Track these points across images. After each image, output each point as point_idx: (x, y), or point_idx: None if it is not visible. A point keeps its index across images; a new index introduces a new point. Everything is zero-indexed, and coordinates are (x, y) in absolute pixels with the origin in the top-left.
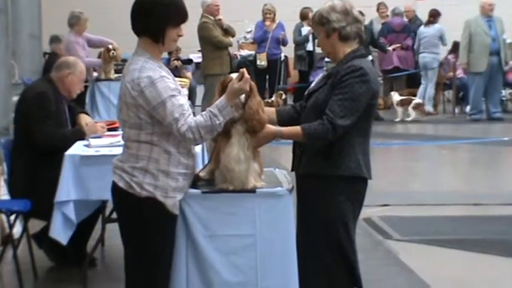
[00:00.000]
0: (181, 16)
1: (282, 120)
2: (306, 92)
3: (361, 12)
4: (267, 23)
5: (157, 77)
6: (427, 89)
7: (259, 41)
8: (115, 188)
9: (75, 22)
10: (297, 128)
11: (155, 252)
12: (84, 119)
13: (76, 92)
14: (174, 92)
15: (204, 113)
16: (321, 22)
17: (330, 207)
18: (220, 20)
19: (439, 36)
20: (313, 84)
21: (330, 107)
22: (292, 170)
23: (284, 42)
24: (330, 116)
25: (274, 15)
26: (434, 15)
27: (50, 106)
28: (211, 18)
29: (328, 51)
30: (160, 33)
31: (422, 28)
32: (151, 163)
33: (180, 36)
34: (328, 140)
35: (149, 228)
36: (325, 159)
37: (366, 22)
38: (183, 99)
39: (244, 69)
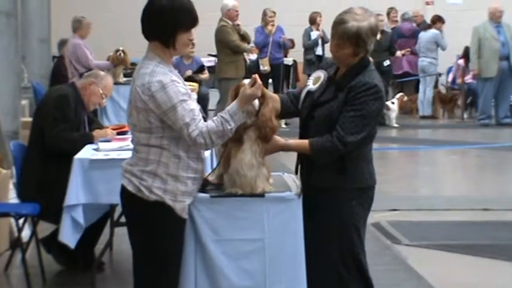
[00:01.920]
0: (192, 20)
1: (281, 112)
2: (310, 100)
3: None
4: (269, 27)
5: (168, 81)
6: (425, 93)
7: (261, 46)
8: (124, 191)
9: (77, 26)
10: (304, 142)
11: (164, 256)
12: (99, 133)
13: (94, 103)
14: (185, 96)
15: (215, 118)
16: (356, 42)
17: (344, 214)
18: (238, 25)
19: (435, 42)
20: (315, 88)
21: (340, 124)
22: (296, 174)
23: (285, 46)
24: (341, 134)
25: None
26: (434, 21)
27: (68, 110)
28: (230, 22)
29: (342, 60)
30: (170, 37)
31: (421, 33)
32: (160, 167)
33: (191, 40)
34: (336, 156)
35: (158, 232)
36: (339, 173)
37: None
38: (193, 104)
39: (257, 75)
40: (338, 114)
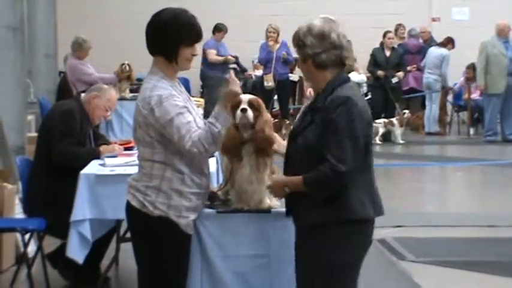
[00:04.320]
0: (195, 35)
1: None
2: (290, 133)
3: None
4: (270, 43)
5: (166, 95)
6: (431, 110)
7: (264, 62)
8: (129, 207)
9: (76, 48)
10: (299, 179)
11: (168, 272)
12: (106, 149)
13: (99, 117)
14: (182, 109)
15: (203, 126)
16: (297, 44)
17: (336, 253)
18: None
19: (441, 60)
20: (296, 122)
21: (329, 151)
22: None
23: (288, 61)
24: (332, 163)
25: (278, 35)
26: (445, 43)
27: (73, 124)
28: None
29: (306, 77)
30: (173, 52)
31: (430, 49)
32: (164, 182)
33: (194, 55)
34: (335, 190)
35: (162, 247)
36: (327, 204)
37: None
38: (190, 117)
39: (232, 72)
40: (317, 138)
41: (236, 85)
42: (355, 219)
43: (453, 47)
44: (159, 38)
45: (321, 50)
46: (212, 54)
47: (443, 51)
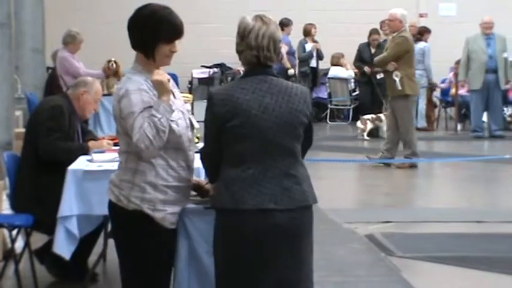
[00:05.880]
0: (174, 32)
1: None
2: None
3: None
4: None
5: (134, 88)
6: (418, 105)
7: None
8: (109, 201)
9: (69, 41)
10: None
11: (147, 266)
12: (94, 145)
13: (90, 111)
14: (146, 105)
15: (146, 119)
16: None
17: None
18: None
19: (422, 54)
20: None
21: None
22: None
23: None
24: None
25: None
26: (421, 33)
27: (62, 120)
28: None
29: None
30: (150, 48)
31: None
32: (138, 176)
33: (174, 52)
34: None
35: (138, 241)
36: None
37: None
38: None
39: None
40: None
41: (160, 75)
42: (220, 208)
43: (429, 34)
44: (137, 33)
45: (241, 49)
46: (283, 50)
47: (421, 45)
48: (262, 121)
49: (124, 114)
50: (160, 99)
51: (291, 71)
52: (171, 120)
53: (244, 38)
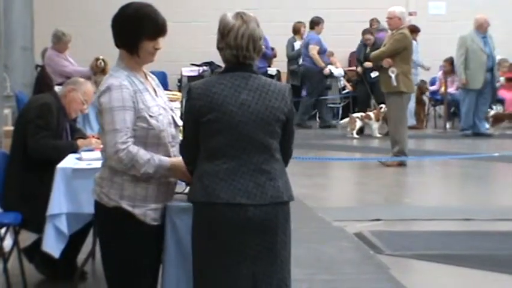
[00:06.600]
0: (157, 29)
1: None
2: None
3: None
4: None
5: (116, 84)
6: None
7: None
8: (94, 200)
9: (55, 41)
10: None
11: (130, 263)
12: (83, 143)
13: (76, 110)
14: (126, 103)
15: (147, 152)
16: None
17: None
18: None
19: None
20: None
21: None
22: None
23: (266, 55)
24: None
25: None
26: (410, 31)
27: (50, 118)
28: None
29: None
30: (133, 45)
31: None
32: (117, 173)
33: (157, 49)
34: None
35: (121, 239)
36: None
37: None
38: (130, 116)
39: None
40: None
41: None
42: (197, 202)
43: (417, 33)
44: (120, 30)
45: (221, 47)
46: (314, 50)
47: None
48: (237, 116)
49: (102, 108)
50: (170, 168)
51: (326, 71)
52: (151, 116)
53: (224, 37)
